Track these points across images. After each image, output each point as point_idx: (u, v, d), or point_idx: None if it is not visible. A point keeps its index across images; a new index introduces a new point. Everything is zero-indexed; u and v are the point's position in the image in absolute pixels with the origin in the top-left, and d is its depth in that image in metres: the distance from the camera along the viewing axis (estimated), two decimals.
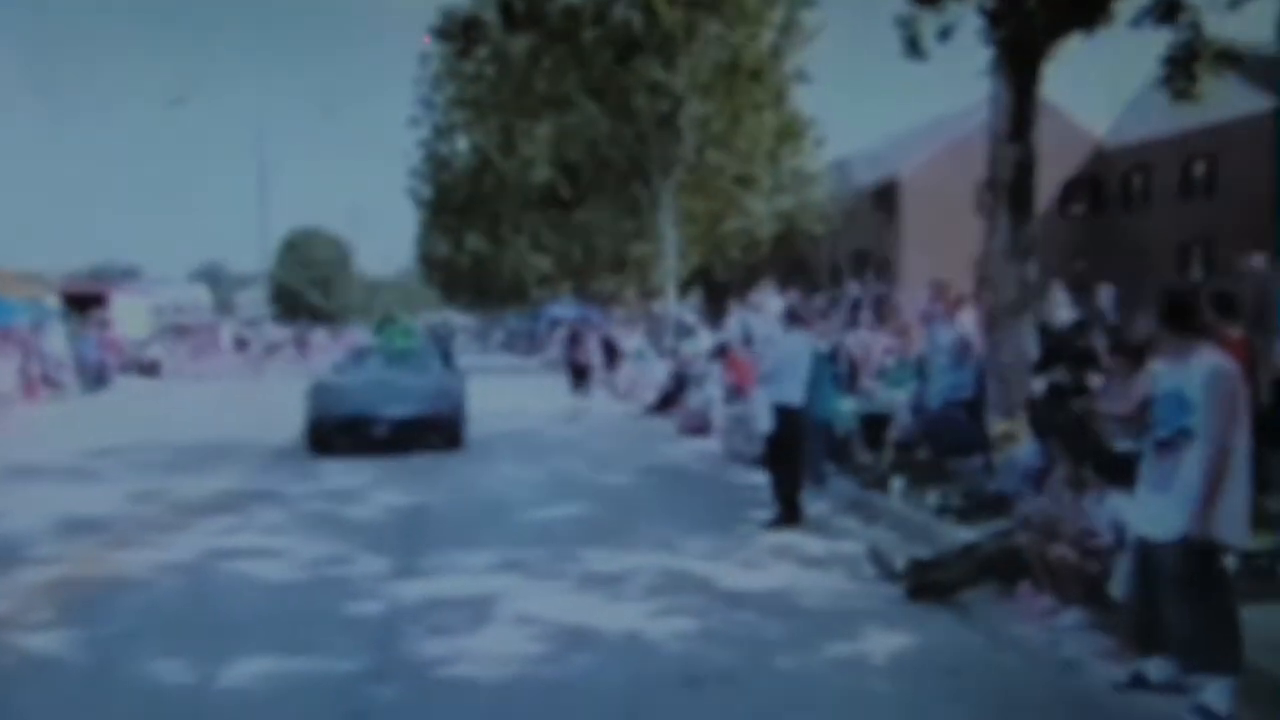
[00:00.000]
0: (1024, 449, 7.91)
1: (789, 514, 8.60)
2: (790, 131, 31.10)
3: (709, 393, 15.49)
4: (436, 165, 44.52)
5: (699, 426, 15.11)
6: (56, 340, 29.42)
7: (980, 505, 8.00)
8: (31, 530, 9.19)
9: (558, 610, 6.28)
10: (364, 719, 4.78)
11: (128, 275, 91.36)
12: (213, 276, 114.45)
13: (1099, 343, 10.08)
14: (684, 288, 31.13)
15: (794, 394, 8.63)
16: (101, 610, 6.63)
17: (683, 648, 5.55)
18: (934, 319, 12.22)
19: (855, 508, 9.30)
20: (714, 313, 31.13)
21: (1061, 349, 8.50)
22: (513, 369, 37.11)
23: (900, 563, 6.81)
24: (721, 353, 17.63)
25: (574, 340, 30.13)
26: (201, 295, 76.10)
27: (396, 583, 7.10)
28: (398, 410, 13.18)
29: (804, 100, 30.90)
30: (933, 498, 8.56)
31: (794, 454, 8.73)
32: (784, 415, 8.58)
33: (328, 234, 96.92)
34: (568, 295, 48.71)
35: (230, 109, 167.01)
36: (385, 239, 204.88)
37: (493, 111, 33.91)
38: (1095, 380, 7.73)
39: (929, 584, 6.30)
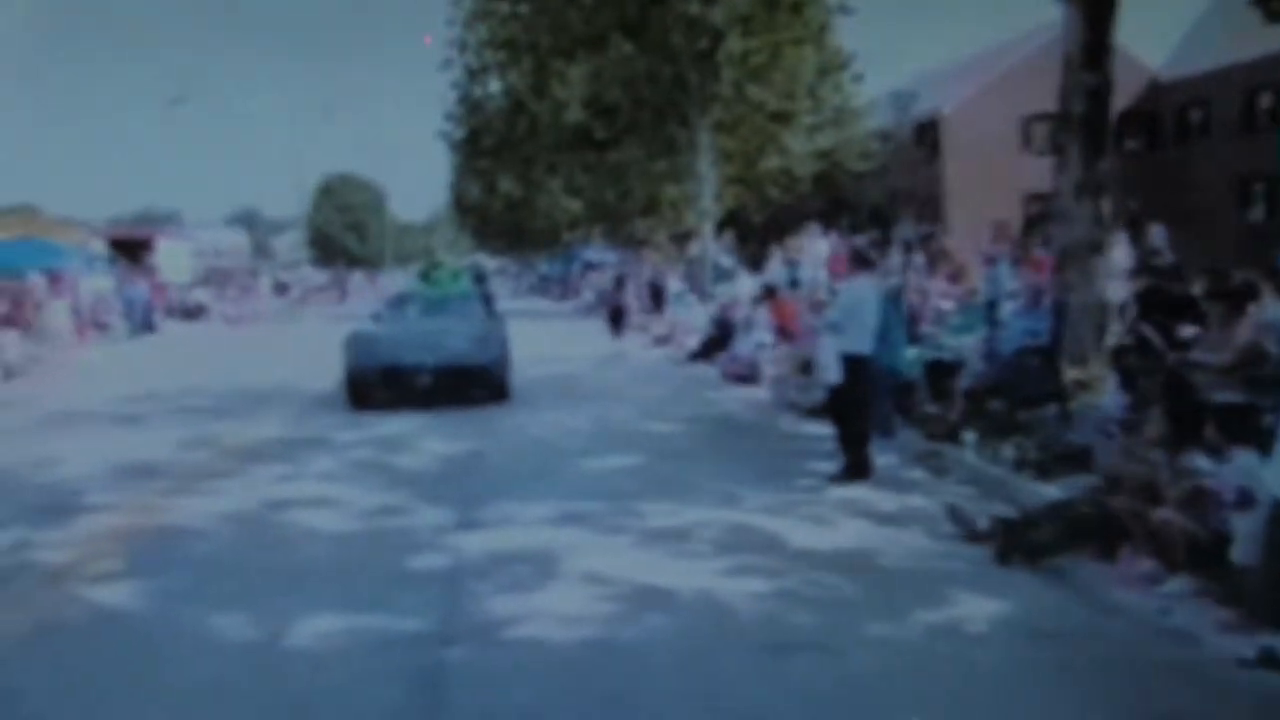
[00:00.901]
0: (1106, 398, 7.56)
1: (857, 467, 8.31)
2: (831, 66, 30.41)
3: (756, 338, 15.17)
4: (469, 108, 43.88)
5: (746, 374, 14.80)
6: (104, 284, 29.59)
7: (1059, 458, 7.67)
8: (87, 476, 9.14)
9: (625, 567, 6.06)
10: (434, 682, 4.57)
11: (169, 220, 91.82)
12: (250, 221, 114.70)
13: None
14: (719, 229, 30.62)
15: (863, 342, 8.30)
16: (163, 561, 6.50)
17: (762, 610, 5.30)
18: (996, 260, 11.85)
19: (924, 460, 8.99)
20: (749, 254, 30.70)
21: (1157, 295, 8.07)
22: (546, 313, 36.87)
23: (983, 522, 6.52)
24: (770, 294, 17.28)
25: (618, 284, 29.90)
26: (240, 240, 76.07)
27: (458, 535, 6.92)
28: (439, 360, 12.62)
29: (845, 34, 30.22)
30: (1008, 450, 8.24)
31: (862, 405, 8.42)
32: (852, 365, 8.24)
33: (361, 179, 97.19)
34: (599, 239, 48.38)
35: (264, 55, 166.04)
36: (418, 183, 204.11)
37: (526, 52, 33.30)
38: (1186, 329, 7.36)
39: (1019, 546, 6.00)
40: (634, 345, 22.00)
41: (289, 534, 7.11)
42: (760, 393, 13.71)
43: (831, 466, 8.63)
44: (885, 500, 7.71)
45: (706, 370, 16.68)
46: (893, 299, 9.65)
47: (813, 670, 4.58)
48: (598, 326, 27.42)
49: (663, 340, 21.85)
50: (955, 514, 6.78)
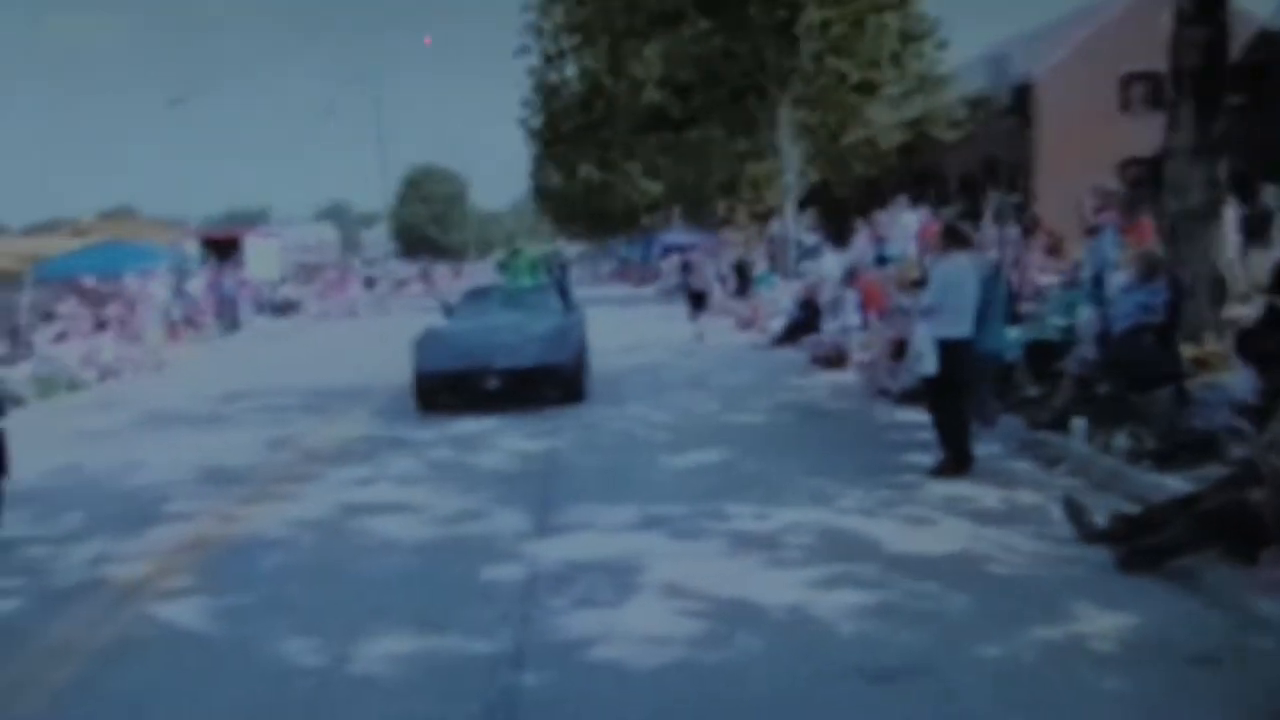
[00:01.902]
0: (1234, 379, 6.93)
1: (956, 460, 7.80)
2: (915, 33, 29.49)
3: (844, 320, 14.64)
4: (546, 93, 43.79)
5: (833, 358, 14.28)
6: (196, 284, 30.10)
7: (1181, 446, 7.09)
8: (169, 482, 9.14)
9: (710, 578, 5.68)
10: (505, 713, 4.24)
11: (258, 217, 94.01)
12: (338, 216, 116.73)
13: None
14: (801, 206, 29.97)
15: (961, 326, 7.77)
16: (237, 574, 6.31)
17: (860, 629, 4.87)
18: (1100, 231, 11.13)
19: (1028, 450, 8.45)
20: (834, 231, 29.99)
21: None
22: (626, 299, 36.57)
23: (1101, 519, 5.99)
24: (852, 276, 16.71)
25: (686, 268, 29.47)
26: (329, 234, 77.33)
27: (535, 542, 6.59)
28: (510, 361, 11.89)
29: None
30: (1121, 438, 7.65)
31: (961, 394, 7.90)
32: (950, 351, 7.72)
33: (445, 170, 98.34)
34: (679, 221, 47.97)
35: (346, 50, 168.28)
36: (499, 172, 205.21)
37: (601, 33, 33.03)
38: None
39: (1143, 548, 5.47)
40: (716, 330, 21.51)
41: (365, 543, 6.87)
42: (849, 378, 13.20)
43: (928, 459, 8.15)
44: (989, 496, 7.20)
45: (792, 355, 16.19)
46: (990, 276, 9.05)
47: (917, 700, 4.14)
48: (679, 311, 26.98)
49: (746, 324, 21.38)
50: (1071, 511, 6.23)
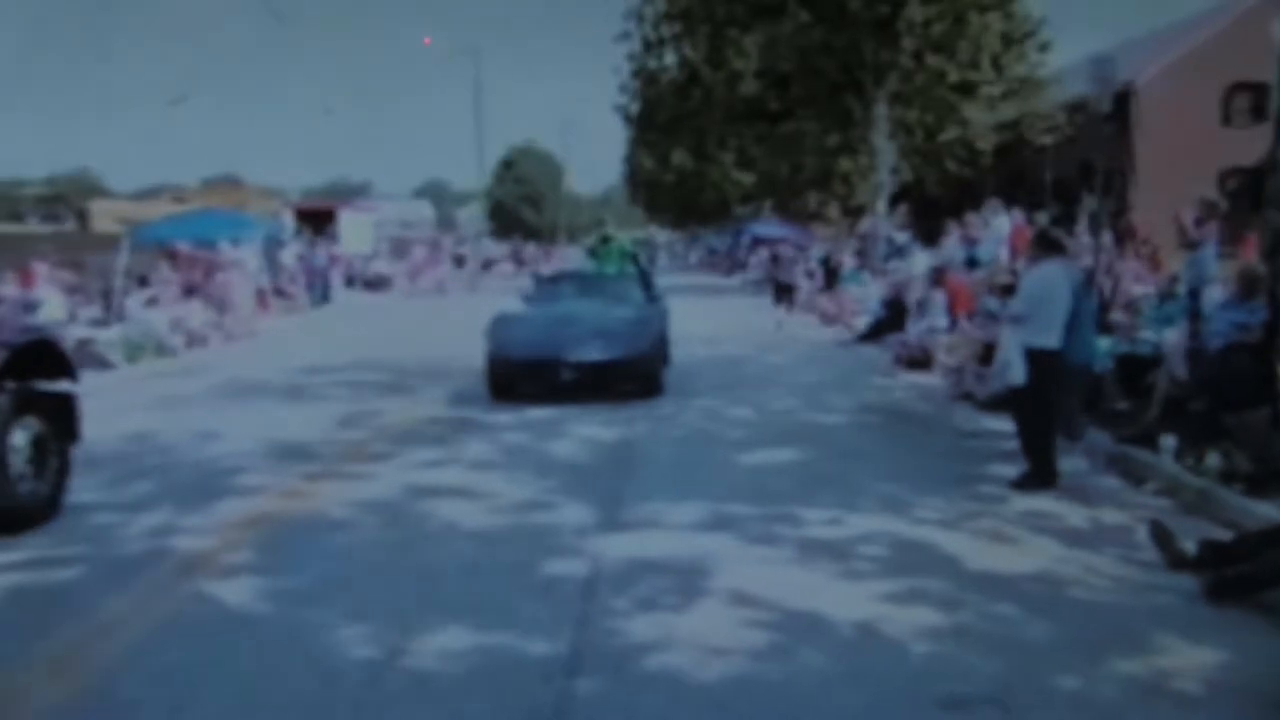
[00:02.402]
0: None
1: (1041, 474, 7.51)
2: (1017, 34, 28.75)
3: (931, 321, 14.28)
4: (644, 80, 43.64)
5: (918, 359, 13.95)
6: (288, 255, 30.57)
7: (1276, 473, 6.72)
8: (241, 454, 9.18)
9: (779, 587, 5.50)
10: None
11: (359, 192, 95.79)
12: (436, 193, 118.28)
13: None
14: (892, 203, 29.44)
15: (1050, 336, 7.46)
16: (297, 554, 6.28)
17: (933, 651, 4.65)
18: (1202, 243, 10.68)
19: (1115, 466, 8.11)
20: (924, 230, 29.42)
21: None
22: (713, 289, 36.36)
23: (1190, 545, 5.69)
24: (940, 277, 16.30)
25: (774, 260, 29.16)
26: (425, 211, 78.24)
27: (600, 538, 6.48)
28: (587, 352, 11.48)
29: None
30: (1213, 459, 7.30)
31: (1049, 405, 7.59)
32: (1039, 361, 7.43)
33: (542, 152, 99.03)
34: (769, 213, 47.56)
35: (448, 28, 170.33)
36: (596, 156, 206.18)
37: (702, 23, 32.82)
38: None
39: (1234, 579, 5.17)
40: (801, 325, 21.25)
41: (428, 528, 6.82)
42: (933, 380, 12.86)
43: (1012, 470, 7.87)
44: (1073, 513, 6.91)
45: (875, 354, 15.87)
46: (1082, 285, 8.70)
47: None
48: (764, 303, 26.75)
49: (831, 320, 21.06)
50: (1159, 535, 5.93)
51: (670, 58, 39.96)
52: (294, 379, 14.11)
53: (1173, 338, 8.76)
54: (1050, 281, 7.58)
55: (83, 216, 56.94)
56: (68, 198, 66.77)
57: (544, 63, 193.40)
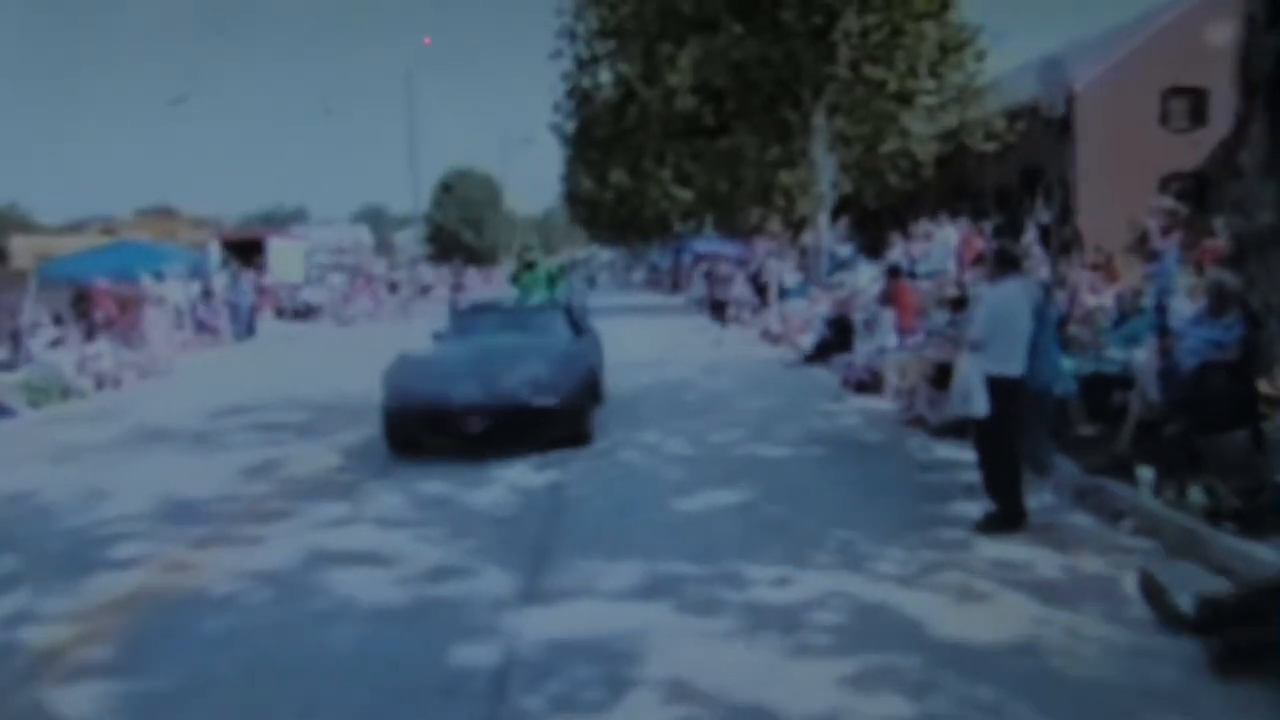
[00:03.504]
0: None
1: (1008, 514, 6.82)
2: (954, 42, 28.50)
3: (880, 341, 13.64)
4: (579, 99, 42.98)
5: (867, 382, 13.28)
6: (214, 286, 29.32)
7: (1270, 509, 6.08)
8: (128, 517, 8.26)
9: (721, 672, 4.73)
10: None
11: (295, 218, 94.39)
12: (374, 218, 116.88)
13: None
14: (834, 216, 28.99)
15: (1013, 362, 6.78)
16: (163, 647, 5.39)
17: None
18: (1163, 254, 10.14)
19: (1086, 500, 7.43)
20: (867, 242, 29.03)
21: None
22: (655, 308, 35.72)
23: (1186, 599, 5.01)
24: (895, 275, 15.66)
25: (709, 276, 28.66)
26: (363, 236, 76.86)
27: (518, 613, 5.66)
28: (498, 397, 9.93)
29: (970, 8, 28.27)
30: (1196, 493, 6.65)
31: (1014, 438, 6.91)
32: (1002, 390, 6.74)
33: (480, 174, 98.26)
34: (711, 229, 47.12)
35: (383, 54, 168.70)
36: (533, 176, 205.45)
37: (636, 39, 32.27)
38: None
39: (1246, 647, 4.49)
40: (744, 344, 20.58)
41: (321, 605, 5.96)
42: (884, 404, 12.20)
43: (974, 508, 7.19)
44: (1047, 561, 6.21)
45: (822, 375, 15.19)
46: (1042, 303, 8.05)
47: None
48: (707, 322, 26.14)
49: (776, 339, 20.40)
50: (1149, 589, 5.25)
51: (605, 75, 39.41)
52: (203, 423, 13.13)
53: (1143, 357, 8.12)
54: (1010, 303, 6.90)
55: (1, 253, 55.02)
56: None
57: (481, 84, 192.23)
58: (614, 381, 13.08)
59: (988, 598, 5.63)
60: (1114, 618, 5.25)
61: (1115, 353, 9.12)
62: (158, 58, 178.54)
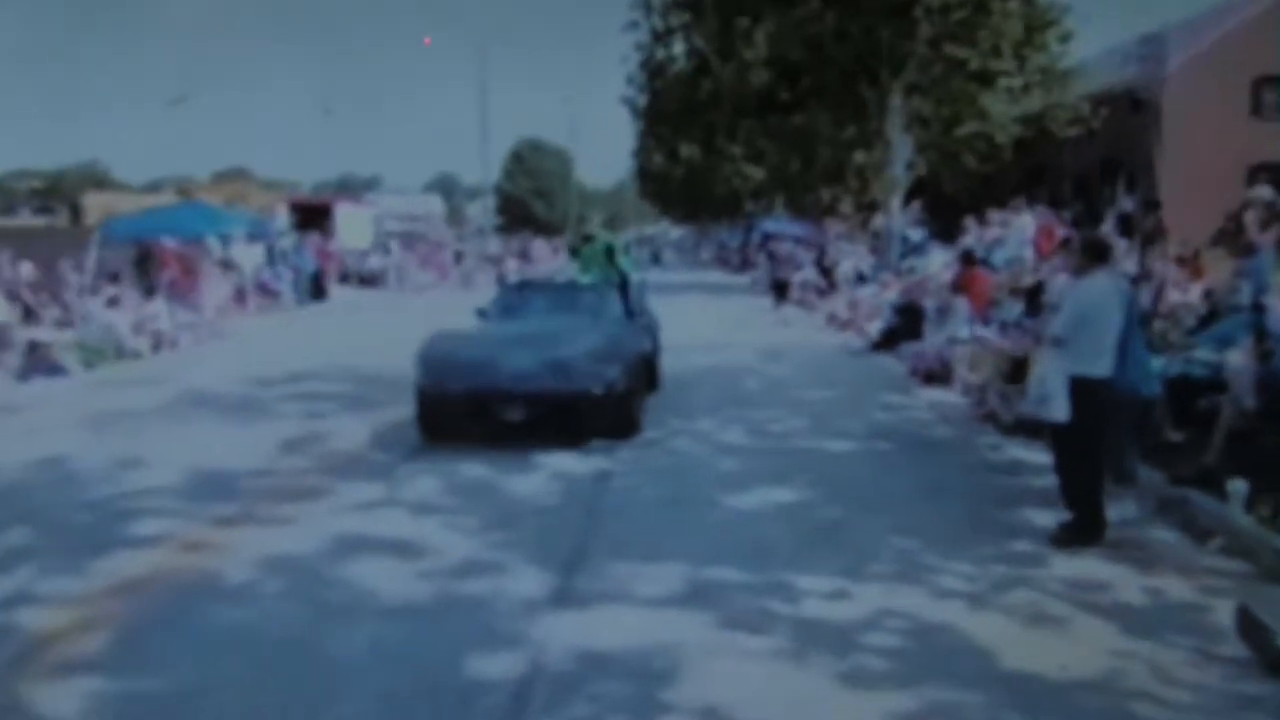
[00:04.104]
0: None
1: (1086, 526, 6.26)
2: (1039, 22, 27.42)
3: (952, 330, 12.98)
4: (652, 72, 42.35)
5: (937, 372, 12.66)
6: (281, 250, 29.35)
7: None
8: (156, 489, 8.00)
9: (764, 700, 4.28)
10: None
11: (368, 186, 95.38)
12: (447, 188, 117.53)
13: None
14: (907, 199, 28.18)
15: (1100, 363, 6.20)
16: (167, 640, 5.07)
17: None
18: (1259, 249, 9.39)
19: (1170, 513, 6.82)
20: (939, 228, 28.17)
21: None
22: (720, 287, 35.12)
23: None
24: (969, 262, 14.97)
25: (771, 257, 28.08)
26: (435, 205, 77.11)
27: (548, 617, 5.25)
28: (538, 383, 9.24)
29: None
30: None
31: (1098, 445, 6.33)
32: (1086, 393, 6.16)
33: (552, 146, 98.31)
34: (781, 209, 46.41)
35: (457, 24, 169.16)
36: (607, 149, 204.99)
37: (712, 11, 31.57)
38: None
39: None
40: (810, 329, 19.97)
41: (341, 599, 5.59)
42: (953, 398, 11.59)
43: (1047, 516, 6.66)
44: (1129, 582, 5.65)
45: (889, 363, 14.58)
46: (1132, 299, 7.40)
47: None
48: (770, 304, 25.56)
49: (843, 324, 19.76)
50: (1248, 627, 4.68)
51: (679, 48, 38.75)
52: (252, 390, 12.93)
53: (1238, 360, 7.44)
54: (1098, 298, 6.30)
55: (76, 209, 55.70)
56: (63, 190, 65.41)
57: (553, 55, 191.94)
58: (671, 364, 12.62)
59: (1062, 623, 5.09)
60: (1205, 655, 4.69)
61: (1205, 354, 8.40)
62: (239, 24, 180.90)
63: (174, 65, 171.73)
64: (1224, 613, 4.97)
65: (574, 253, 16.41)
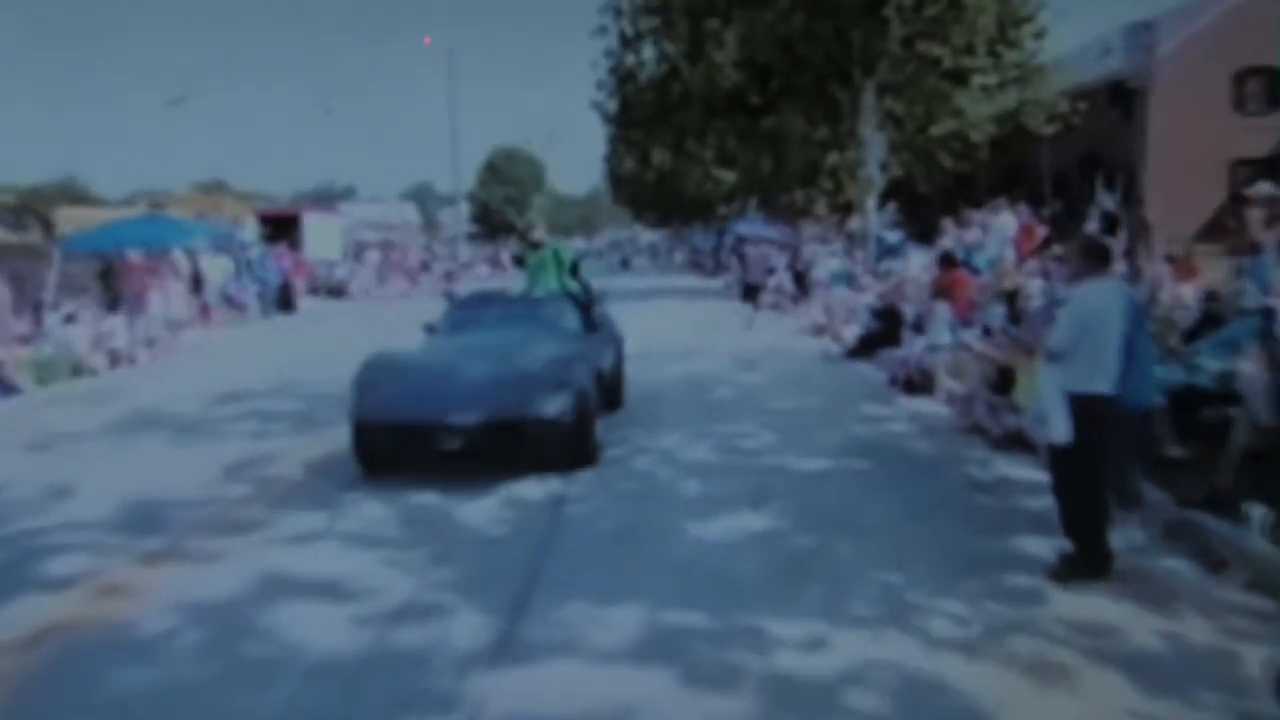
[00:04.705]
0: None
1: (1089, 558, 5.68)
2: (1013, 19, 27.05)
3: (933, 337, 12.42)
4: (622, 77, 41.84)
5: (917, 381, 12.11)
6: (240, 263, 28.60)
7: None
8: (82, 522, 7.41)
9: None
10: None
11: (344, 195, 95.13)
12: (422, 196, 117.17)
13: None
14: (882, 200, 27.74)
15: (1102, 378, 5.63)
16: (53, 707, 4.43)
17: None
18: (1261, 248, 8.90)
19: (1180, 538, 6.25)
20: (915, 229, 27.75)
21: None
22: (693, 291, 34.56)
23: None
24: (950, 264, 14.41)
25: (741, 260, 27.66)
26: (410, 214, 76.52)
27: (487, 675, 4.62)
28: (477, 411, 8.21)
29: None
30: None
31: (1100, 469, 5.76)
32: (1088, 411, 5.59)
33: (525, 153, 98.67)
34: (755, 211, 46.04)
35: (430, 31, 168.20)
36: (577, 156, 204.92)
37: (681, 15, 31.10)
38: None
39: None
40: (784, 334, 19.41)
41: (259, 654, 4.95)
42: (936, 408, 11.04)
43: (1044, 543, 6.10)
44: (1141, 624, 5.07)
45: (867, 371, 14.03)
46: (1135, 306, 6.83)
47: None
48: (741, 307, 25.04)
49: (819, 329, 19.20)
50: None
51: (649, 52, 38.26)
52: (203, 408, 12.30)
53: (1248, 369, 6.89)
54: (1099, 306, 5.73)
55: (48, 224, 54.84)
56: (36, 205, 64.45)
57: (524, 63, 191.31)
58: (638, 374, 12.01)
59: (1070, 676, 4.50)
60: (1238, 715, 4.12)
61: (1210, 361, 7.84)
62: (219, 34, 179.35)
63: (154, 78, 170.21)
64: (1253, 661, 4.43)
65: (519, 262, 15.43)
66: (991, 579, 5.72)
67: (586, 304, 11.10)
